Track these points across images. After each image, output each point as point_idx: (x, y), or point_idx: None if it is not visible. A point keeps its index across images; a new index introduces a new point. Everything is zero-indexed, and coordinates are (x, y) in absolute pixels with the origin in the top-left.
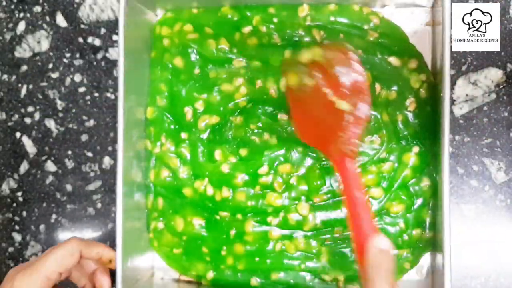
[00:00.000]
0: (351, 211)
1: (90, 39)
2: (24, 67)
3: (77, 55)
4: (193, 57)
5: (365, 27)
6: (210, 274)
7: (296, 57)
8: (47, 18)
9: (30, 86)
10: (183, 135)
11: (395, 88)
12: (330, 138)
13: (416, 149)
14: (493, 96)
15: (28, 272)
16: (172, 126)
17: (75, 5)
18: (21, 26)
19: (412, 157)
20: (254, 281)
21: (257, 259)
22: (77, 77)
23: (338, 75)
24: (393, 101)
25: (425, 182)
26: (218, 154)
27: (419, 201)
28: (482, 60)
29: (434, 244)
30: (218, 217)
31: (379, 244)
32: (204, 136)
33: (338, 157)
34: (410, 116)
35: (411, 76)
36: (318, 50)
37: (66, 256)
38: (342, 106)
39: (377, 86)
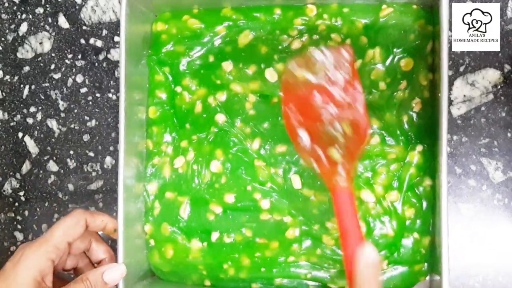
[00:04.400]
0: (339, 222)
1: (92, 40)
2: (27, 68)
3: (79, 56)
4: (193, 57)
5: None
6: (207, 283)
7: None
8: (49, 20)
9: (32, 87)
10: (185, 136)
11: (408, 89)
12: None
13: (419, 147)
14: (491, 96)
15: (38, 243)
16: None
17: (77, 7)
18: (24, 27)
19: (415, 156)
20: (255, 286)
21: (263, 269)
22: (79, 78)
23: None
24: (403, 101)
25: (427, 182)
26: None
27: (424, 204)
28: (480, 61)
29: (432, 243)
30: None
31: (368, 257)
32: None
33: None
34: (414, 116)
35: (420, 74)
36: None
37: (72, 226)
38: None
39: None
